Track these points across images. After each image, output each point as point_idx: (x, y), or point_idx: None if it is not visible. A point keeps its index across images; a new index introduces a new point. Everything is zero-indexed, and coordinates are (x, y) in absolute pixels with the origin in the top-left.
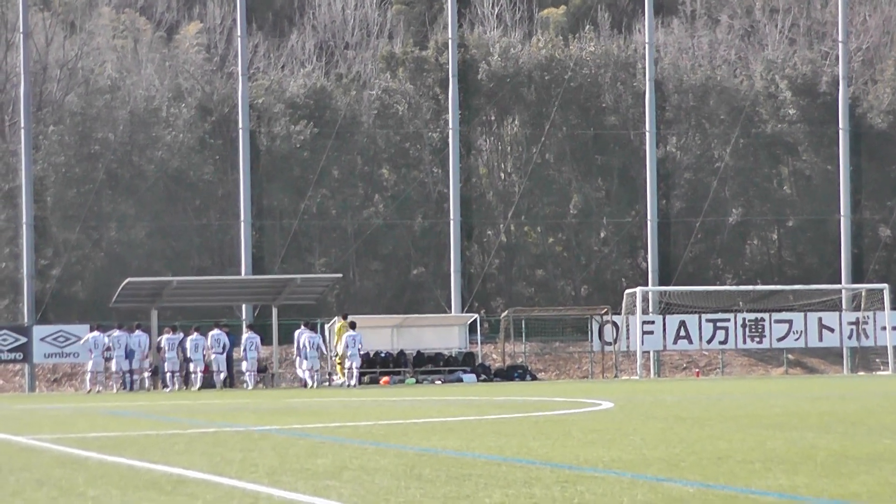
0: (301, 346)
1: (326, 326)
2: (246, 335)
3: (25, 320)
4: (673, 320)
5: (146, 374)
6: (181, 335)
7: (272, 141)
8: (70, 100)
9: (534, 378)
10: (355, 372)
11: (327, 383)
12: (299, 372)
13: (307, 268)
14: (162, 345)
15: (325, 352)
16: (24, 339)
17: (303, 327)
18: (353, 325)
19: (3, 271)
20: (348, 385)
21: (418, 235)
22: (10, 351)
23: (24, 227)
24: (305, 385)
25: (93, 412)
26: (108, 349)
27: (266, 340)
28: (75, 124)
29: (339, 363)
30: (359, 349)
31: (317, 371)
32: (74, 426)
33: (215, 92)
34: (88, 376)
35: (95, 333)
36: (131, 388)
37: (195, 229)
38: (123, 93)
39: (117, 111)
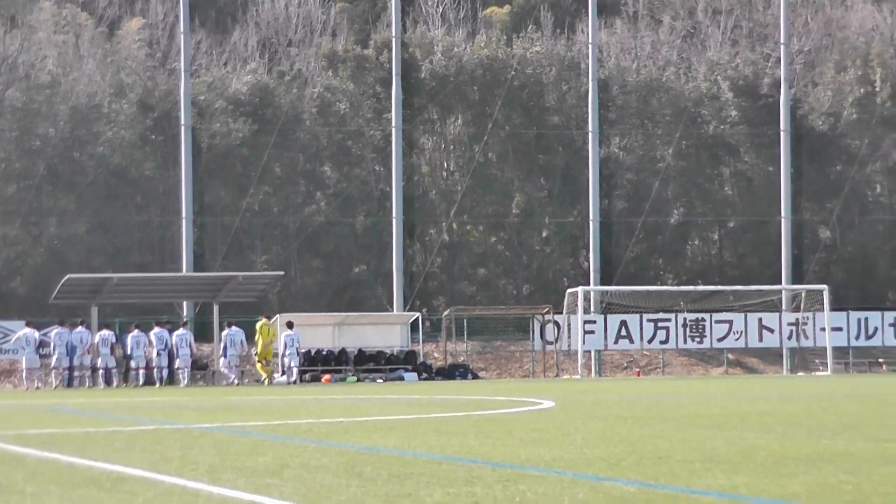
0: (223, 342)
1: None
2: (177, 332)
3: None
4: (614, 320)
5: (87, 372)
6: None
7: (213, 138)
8: (11, 95)
9: (475, 377)
10: (294, 370)
11: (266, 382)
12: (223, 370)
13: (249, 265)
14: (95, 341)
15: (244, 349)
16: None
17: (227, 326)
18: (290, 325)
19: None
20: (289, 382)
21: (360, 233)
22: None
23: None
24: (232, 383)
25: (31, 409)
26: (41, 345)
27: (207, 338)
28: (16, 119)
29: (259, 361)
30: (297, 348)
31: (235, 366)
32: (12, 423)
33: (157, 88)
34: (25, 374)
35: (27, 330)
36: (70, 384)
37: (136, 225)
38: (65, 88)
39: (58, 106)
